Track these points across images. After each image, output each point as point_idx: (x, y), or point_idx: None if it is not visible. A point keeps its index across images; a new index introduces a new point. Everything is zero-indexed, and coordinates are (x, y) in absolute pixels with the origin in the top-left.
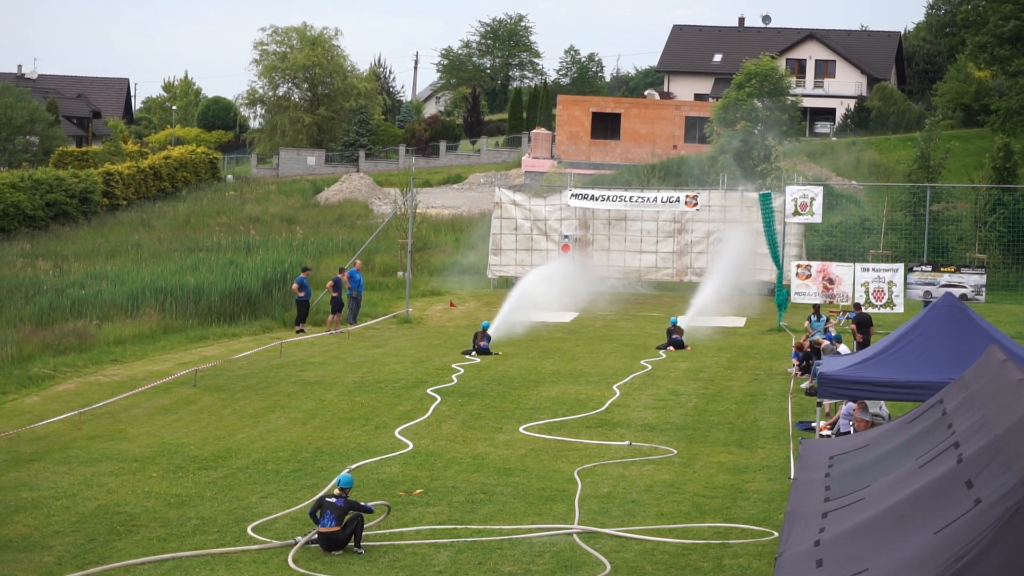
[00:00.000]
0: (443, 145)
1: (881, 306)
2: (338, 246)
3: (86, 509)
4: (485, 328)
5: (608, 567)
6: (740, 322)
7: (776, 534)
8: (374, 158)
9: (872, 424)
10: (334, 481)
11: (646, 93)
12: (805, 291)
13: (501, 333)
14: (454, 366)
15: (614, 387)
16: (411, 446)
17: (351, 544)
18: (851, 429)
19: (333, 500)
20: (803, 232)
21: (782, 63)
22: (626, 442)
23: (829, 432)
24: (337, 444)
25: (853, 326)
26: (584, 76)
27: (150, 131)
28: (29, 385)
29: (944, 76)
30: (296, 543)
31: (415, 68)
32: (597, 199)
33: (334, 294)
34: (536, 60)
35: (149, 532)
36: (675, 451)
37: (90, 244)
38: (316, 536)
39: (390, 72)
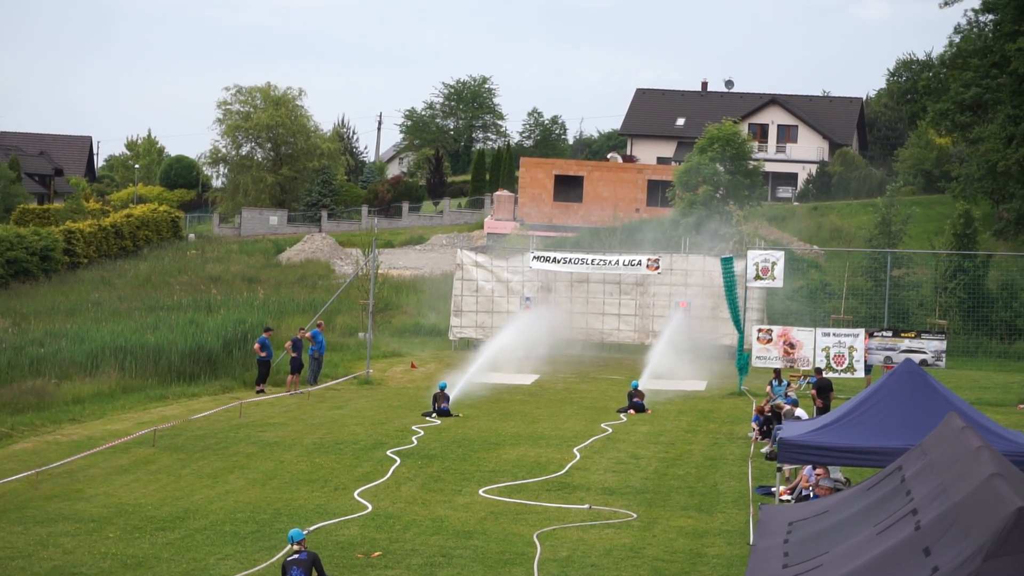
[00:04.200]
0: (406, 206)
1: (842, 371)
2: (299, 306)
3: (42, 570)
4: (443, 388)
5: None
6: (701, 386)
7: None
8: (336, 218)
9: (833, 490)
10: (288, 542)
11: (609, 156)
12: (766, 355)
13: (463, 393)
14: (414, 428)
15: (574, 450)
16: (370, 508)
17: None
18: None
19: (297, 556)
20: (764, 296)
21: (744, 128)
22: (586, 506)
23: (789, 497)
24: (296, 506)
25: (813, 391)
26: (547, 138)
27: (112, 189)
28: None
29: (905, 142)
30: None
31: (378, 129)
32: (559, 261)
33: (293, 354)
34: (499, 122)
35: None
36: (635, 515)
37: (50, 302)
38: None
39: (353, 132)
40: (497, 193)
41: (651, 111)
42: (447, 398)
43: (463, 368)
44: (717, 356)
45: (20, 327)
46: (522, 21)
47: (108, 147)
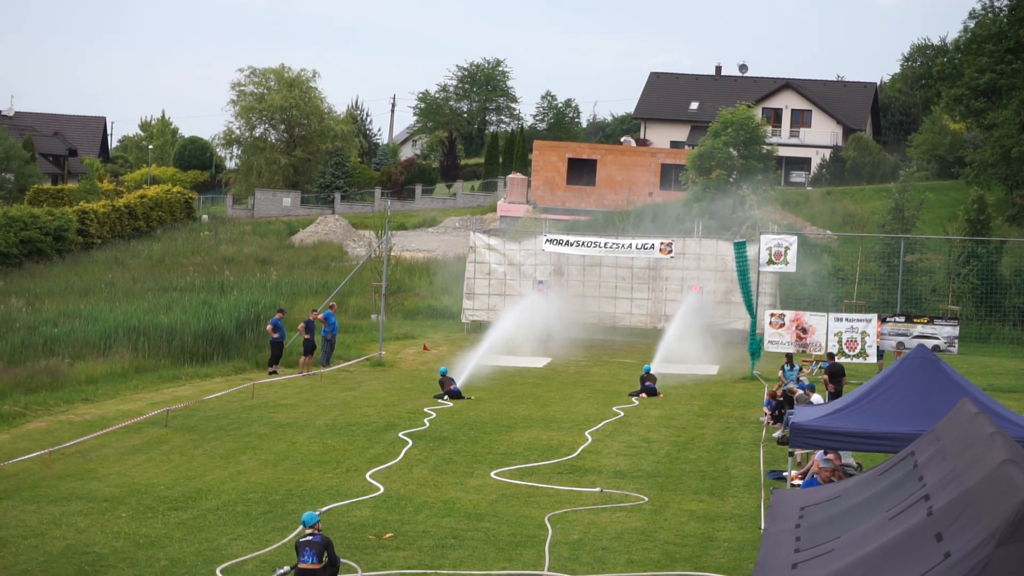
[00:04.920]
0: (419, 188)
1: (854, 356)
2: (312, 288)
3: (55, 549)
4: (444, 373)
5: None
6: (713, 370)
7: None
8: (349, 200)
9: (833, 472)
10: (301, 524)
11: (622, 140)
12: (778, 340)
13: (473, 376)
14: (426, 410)
15: (586, 433)
16: (382, 490)
17: None
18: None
19: (310, 538)
20: (777, 281)
21: (758, 112)
22: (597, 489)
23: (800, 482)
24: (308, 487)
25: (826, 376)
26: (560, 122)
27: (126, 170)
28: None
29: (919, 127)
30: None
31: (392, 111)
32: (572, 245)
33: (306, 336)
34: (513, 105)
35: (117, 573)
36: (646, 498)
37: (64, 282)
38: (291, 571)
39: (367, 114)
40: (510, 176)
41: (665, 95)
42: (453, 381)
43: (474, 351)
44: (729, 340)
45: (34, 307)
46: (536, 4)
47: (122, 128)
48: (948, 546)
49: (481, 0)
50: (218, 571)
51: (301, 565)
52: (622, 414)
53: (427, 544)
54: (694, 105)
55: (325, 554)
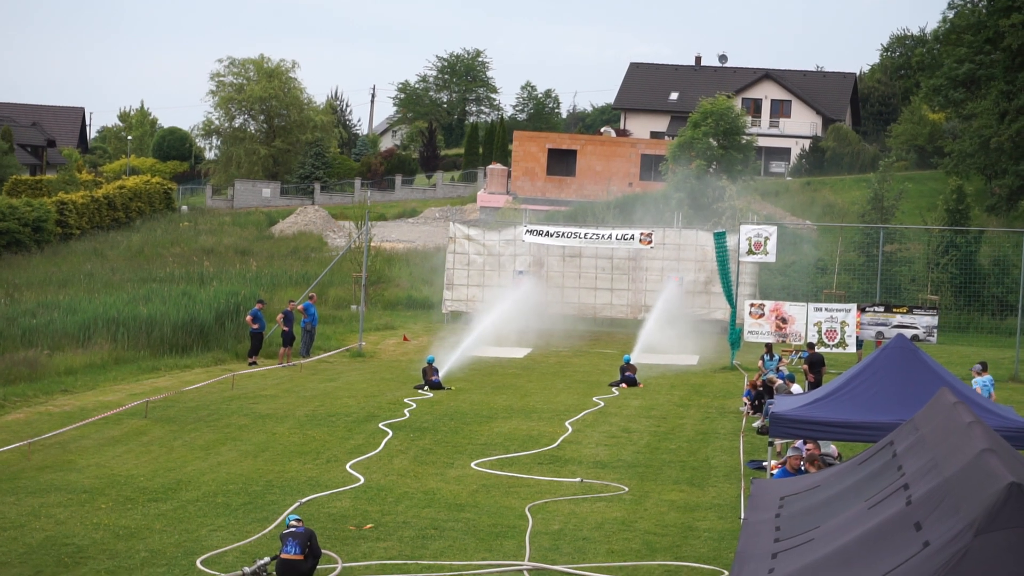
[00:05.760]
0: (399, 179)
1: (833, 346)
2: (292, 278)
3: (34, 540)
4: (431, 362)
5: None
6: (693, 360)
7: (726, 573)
8: (329, 191)
9: (812, 462)
10: (286, 524)
11: (602, 130)
12: (758, 330)
13: (455, 366)
14: (406, 400)
15: (566, 423)
16: (362, 480)
17: None
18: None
19: (294, 529)
20: (757, 271)
21: (738, 102)
22: (578, 479)
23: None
24: (288, 477)
25: (805, 366)
26: (541, 112)
27: (105, 160)
28: None
29: (898, 118)
30: (243, 574)
31: (372, 101)
32: (552, 235)
33: (285, 328)
34: (493, 96)
35: (97, 564)
36: (626, 488)
37: (42, 273)
38: (271, 562)
39: (347, 105)
40: (490, 167)
41: (645, 85)
42: (436, 371)
43: (455, 341)
44: (709, 331)
45: (12, 298)
46: None
47: (101, 118)
48: (927, 535)
49: None
50: (198, 562)
51: (283, 555)
52: (602, 404)
53: (407, 535)
54: (674, 96)
55: (308, 545)
